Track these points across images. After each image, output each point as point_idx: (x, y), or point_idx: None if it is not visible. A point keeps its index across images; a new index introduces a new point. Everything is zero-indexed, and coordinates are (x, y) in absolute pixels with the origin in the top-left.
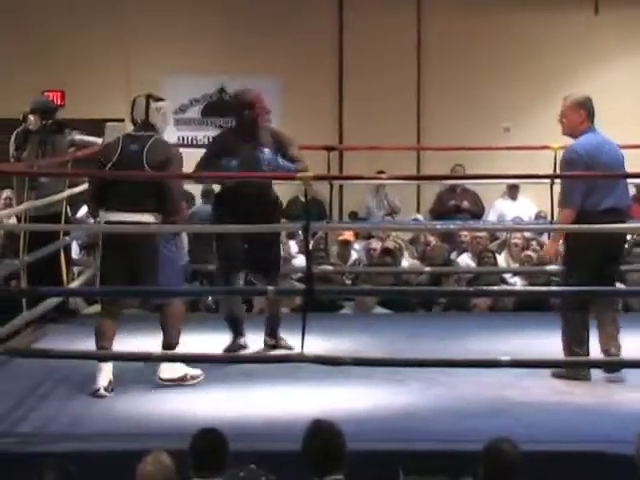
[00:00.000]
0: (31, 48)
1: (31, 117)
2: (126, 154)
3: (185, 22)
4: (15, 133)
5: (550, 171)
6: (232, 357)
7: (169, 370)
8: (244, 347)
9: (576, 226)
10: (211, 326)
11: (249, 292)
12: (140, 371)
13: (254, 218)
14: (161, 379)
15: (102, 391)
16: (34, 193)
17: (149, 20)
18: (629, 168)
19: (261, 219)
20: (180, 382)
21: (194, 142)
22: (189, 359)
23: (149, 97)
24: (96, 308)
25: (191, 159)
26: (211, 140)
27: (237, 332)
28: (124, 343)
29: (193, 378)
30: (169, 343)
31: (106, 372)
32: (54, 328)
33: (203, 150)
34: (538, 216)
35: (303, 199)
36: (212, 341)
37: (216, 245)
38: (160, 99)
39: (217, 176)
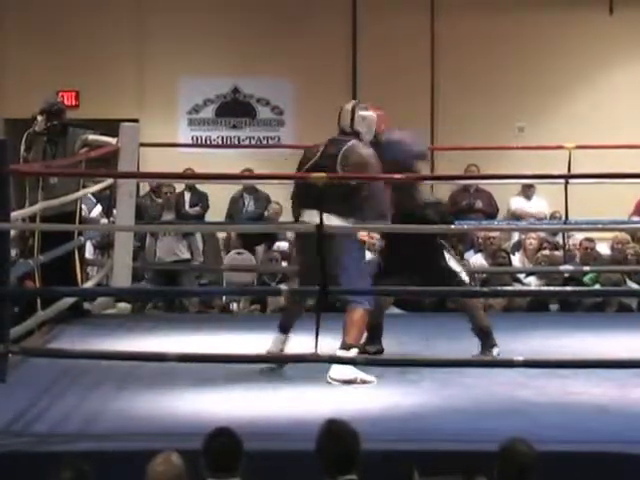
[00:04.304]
0: (46, 48)
1: (38, 118)
2: (324, 156)
3: (199, 24)
4: (26, 134)
5: (565, 171)
6: (246, 357)
7: (339, 371)
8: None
9: (589, 226)
10: (226, 326)
11: (263, 292)
12: (155, 369)
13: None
14: (331, 378)
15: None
16: (43, 194)
17: (164, 22)
18: None
19: None
20: (349, 384)
21: (208, 142)
22: (206, 360)
23: (355, 106)
24: (118, 307)
25: (204, 159)
26: None
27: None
28: (140, 343)
29: (364, 382)
30: (347, 344)
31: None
32: (68, 328)
33: (217, 150)
34: (553, 216)
35: None
36: (226, 340)
37: None
38: (366, 108)
39: (227, 176)
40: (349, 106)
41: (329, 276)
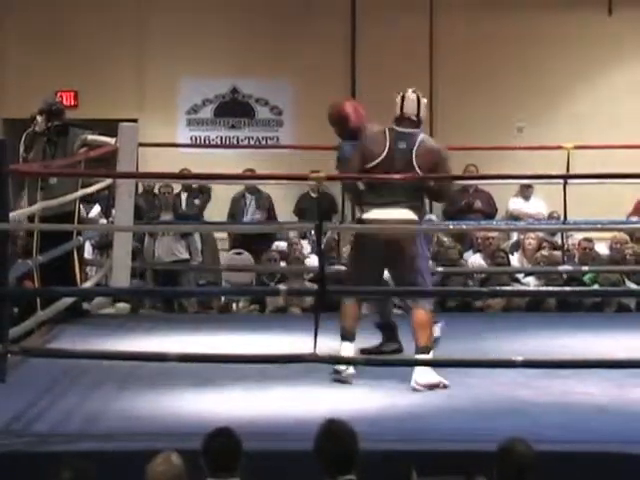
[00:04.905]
0: (45, 48)
1: (38, 118)
2: (395, 151)
3: (198, 24)
4: (25, 134)
5: (563, 171)
6: (245, 357)
7: (425, 376)
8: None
9: (588, 226)
10: (222, 327)
11: (262, 292)
12: (156, 370)
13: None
14: (417, 383)
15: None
16: (42, 194)
17: (163, 22)
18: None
19: None
20: (434, 388)
21: (207, 142)
22: (206, 360)
23: (419, 94)
24: (117, 307)
25: (203, 159)
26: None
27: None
28: (140, 343)
29: (445, 386)
30: (423, 347)
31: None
32: (67, 328)
33: (215, 150)
34: (551, 216)
35: (313, 194)
36: (226, 341)
37: None
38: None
39: (226, 176)
40: (412, 95)
41: (402, 278)
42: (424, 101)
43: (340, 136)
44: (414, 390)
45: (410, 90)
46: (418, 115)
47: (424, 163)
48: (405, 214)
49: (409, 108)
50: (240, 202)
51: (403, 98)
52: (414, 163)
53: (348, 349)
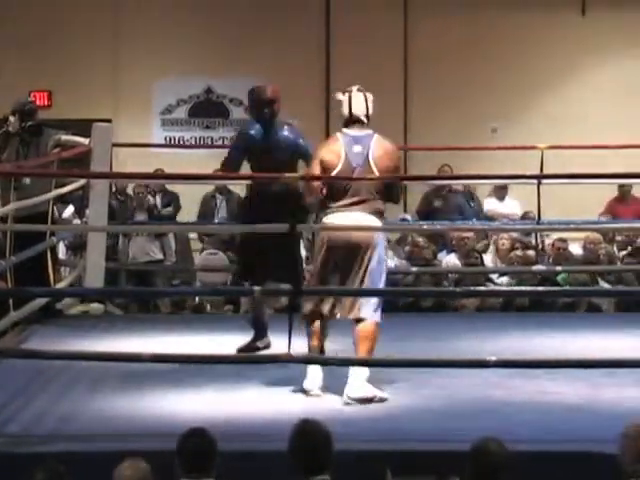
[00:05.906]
0: (18, 48)
1: (11, 118)
2: (351, 159)
3: (173, 24)
4: None
5: (537, 171)
6: (219, 358)
7: (358, 390)
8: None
9: (561, 226)
10: (196, 327)
11: (235, 292)
12: (131, 371)
13: (283, 220)
14: (349, 397)
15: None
16: (16, 194)
17: (137, 22)
18: (613, 169)
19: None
20: (368, 402)
21: (181, 142)
22: (180, 360)
23: (365, 92)
24: (85, 307)
25: (178, 159)
26: (235, 138)
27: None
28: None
29: (381, 400)
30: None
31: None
32: (41, 328)
33: (190, 150)
34: (526, 217)
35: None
36: (197, 342)
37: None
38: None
39: (198, 176)
40: (359, 93)
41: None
42: (371, 97)
43: (264, 115)
44: (346, 404)
45: (355, 88)
46: (367, 114)
47: (382, 164)
48: (368, 219)
49: (358, 108)
50: (211, 202)
51: (350, 98)
52: (372, 166)
53: (315, 372)
